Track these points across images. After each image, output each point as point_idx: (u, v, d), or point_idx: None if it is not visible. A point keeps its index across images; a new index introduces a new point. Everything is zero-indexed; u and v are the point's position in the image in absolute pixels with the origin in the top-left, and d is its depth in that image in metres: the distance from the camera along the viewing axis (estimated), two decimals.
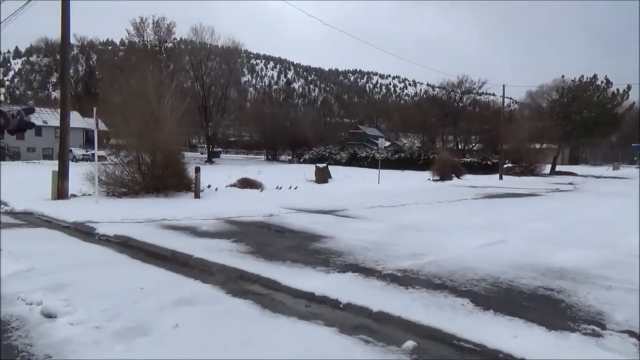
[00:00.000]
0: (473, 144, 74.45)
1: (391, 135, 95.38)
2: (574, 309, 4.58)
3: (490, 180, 30.38)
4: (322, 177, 22.68)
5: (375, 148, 64.34)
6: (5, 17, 13.77)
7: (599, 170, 48.71)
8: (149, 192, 14.27)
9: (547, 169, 41.23)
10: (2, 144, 48.96)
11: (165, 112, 15.05)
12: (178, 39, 62.49)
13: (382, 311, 4.34)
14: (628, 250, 7.15)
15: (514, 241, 7.88)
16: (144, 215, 10.18)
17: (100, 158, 49.52)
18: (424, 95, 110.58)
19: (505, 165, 40.58)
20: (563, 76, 41.18)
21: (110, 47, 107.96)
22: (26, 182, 19.52)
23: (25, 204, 11.95)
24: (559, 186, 25.90)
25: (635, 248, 7.22)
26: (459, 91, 74.50)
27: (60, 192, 13.30)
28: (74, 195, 13.88)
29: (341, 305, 4.55)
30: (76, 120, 57.33)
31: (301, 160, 55.70)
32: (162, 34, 60.82)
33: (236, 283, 5.33)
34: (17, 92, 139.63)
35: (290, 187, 18.83)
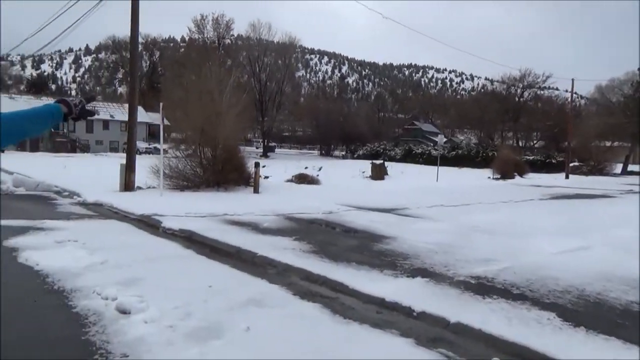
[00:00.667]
0: (535, 141, 71.24)
1: (447, 132, 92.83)
2: None
3: (555, 180, 28.82)
4: (379, 173, 22.36)
5: (431, 145, 62.96)
6: (78, 18, 14.34)
7: None
8: (209, 186, 14.53)
9: (618, 168, 38.64)
10: (74, 136, 52.02)
11: (225, 107, 15.27)
12: (236, 35, 63.75)
13: (460, 322, 4.07)
14: None
15: (597, 248, 7.29)
16: (206, 210, 10.33)
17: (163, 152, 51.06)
18: (482, 90, 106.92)
19: (571, 164, 38.43)
20: (639, 69, 38.40)
21: (172, 44, 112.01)
22: (96, 173, 20.52)
23: (95, 195, 12.47)
24: (633, 187, 24.15)
25: None
26: (521, 85, 71.42)
27: (128, 184, 13.81)
28: (140, 188, 14.37)
29: (415, 314, 4.32)
30: (140, 114, 59.85)
31: (355, 155, 55.40)
32: (221, 30, 62.25)
33: (303, 284, 5.21)
34: (87, 87, 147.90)
35: (346, 184, 18.66)
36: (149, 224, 8.83)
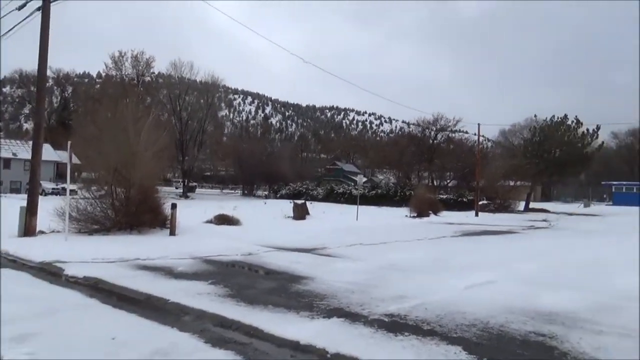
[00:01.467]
0: (448, 181, 75.64)
1: (367, 172, 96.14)
2: (569, 356, 4.43)
3: (466, 217, 30.59)
4: (300, 213, 22.46)
5: (352, 184, 64.68)
6: None
7: (570, 207, 49.77)
8: (121, 229, 13.76)
9: (521, 205, 41.92)
10: None
11: (142, 146, 14.75)
12: (157, 73, 62.51)
13: None
14: (616, 293, 7.09)
15: (501, 282, 7.76)
16: (116, 254, 9.73)
17: (71, 192, 48.07)
18: (400, 132, 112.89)
19: (480, 202, 41.13)
20: (535, 115, 42.56)
21: (86, 80, 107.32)
22: None
23: None
24: (534, 223, 26.23)
25: (623, 290, 7.18)
26: (434, 128, 76.23)
27: (29, 228, 12.71)
28: (42, 232, 13.27)
29: (329, 356, 4.30)
30: (48, 152, 56.05)
31: (278, 195, 55.36)
32: (140, 67, 60.75)
33: (216, 331, 5.01)
34: None
35: (268, 224, 18.52)
36: (50, 272, 8.14)
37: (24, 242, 11.56)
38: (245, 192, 62.61)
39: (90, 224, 13.68)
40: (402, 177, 76.86)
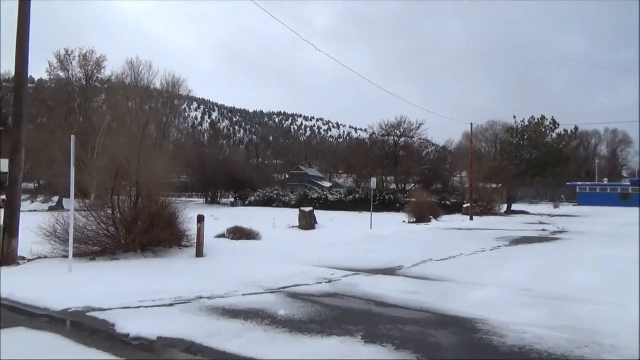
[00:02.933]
0: (414, 184, 75.16)
1: (326, 176, 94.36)
2: None
3: (463, 222, 29.14)
4: (309, 222, 19.91)
5: (317, 189, 62.40)
6: None
7: (541, 209, 50.07)
8: (129, 251, 10.74)
9: (503, 208, 41.31)
10: None
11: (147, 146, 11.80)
12: (111, 73, 57.66)
13: None
14: None
15: None
16: (157, 290, 6.92)
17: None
18: (348, 137, 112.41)
19: (464, 205, 40.11)
20: (515, 117, 42.10)
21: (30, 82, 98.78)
22: None
23: None
24: (535, 226, 25.11)
25: None
26: (398, 132, 75.64)
27: (8, 255, 9.48)
28: (23, 259, 10.02)
29: None
30: None
31: (246, 203, 52.10)
32: (89, 67, 55.71)
33: None
34: None
35: (287, 237, 15.91)
36: (92, 330, 5.26)
37: (10, 275, 8.37)
38: (209, 199, 58.68)
39: (89, 246, 10.55)
40: (361, 182, 75.75)
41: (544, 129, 40.63)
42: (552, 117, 40.49)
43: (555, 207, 52.10)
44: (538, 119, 40.56)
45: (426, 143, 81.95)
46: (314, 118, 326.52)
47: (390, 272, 9.42)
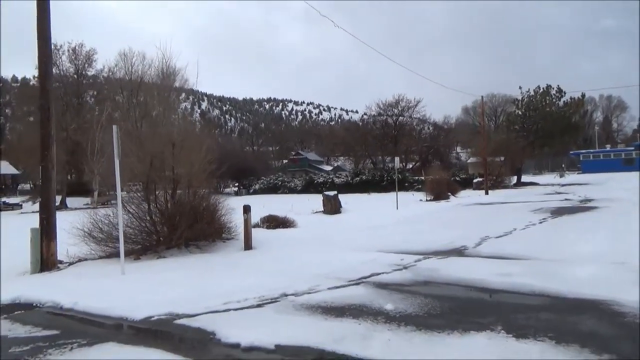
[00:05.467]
0: (414, 163, 74.64)
1: (325, 160, 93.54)
2: None
3: (480, 196, 28.69)
4: (334, 207, 19.29)
5: (318, 173, 61.66)
6: None
7: (547, 179, 49.84)
8: (171, 247, 10.08)
9: (513, 180, 40.95)
10: None
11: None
12: (103, 67, 56.22)
13: None
14: None
15: None
16: (236, 290, 6.31)
17: (16, 206, 41.21)
18: (339, 119, 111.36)
19: (475, 180, 39.71)
20: (520, 87, 41.51)
21: (12, 82, 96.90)
22: None
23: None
24: (564, 196, 24.67)
25: None
26: (396, 111, 74.82)
27: (47, 260, 8.79)
28: (62, 262, 9.35)
29: None
30: None
31: (250, 191, 51.36)
32: (79, 62, 54.24)
33: None
34: None
35: (320, 223, 15.33)
36: (192, 341, 4.63)
37: (60, 281, 7.72)
38: (211, 190, 57.86)
39: (128, 244, 9.85)
40: (359, 163, 74.99)
41: (550, 98, 40.09)
42: (558, 85, 39.95)
43: (561, 176, 51.90)
44: (543, 88, 39.98)
45: (424, 120, 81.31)
46: (304, 102, 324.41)
47: (458, 253, 8.87)
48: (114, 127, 8.17)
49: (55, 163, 9.16)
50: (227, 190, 58.06)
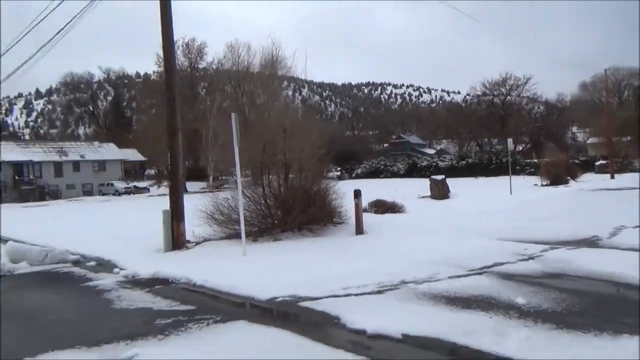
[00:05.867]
0: (524, 145, 69.73)
1: (426, 143, 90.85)
2: None
3: (605, 181, 25.91)
4: (441, 191, 18.73)
5: (421, 156, 60.04)
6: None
7: None
8: (285, 230, 10.42)
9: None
10: (41, 182, 46.13)
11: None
12: (212, 59, 59.96)
13: None
14: None
15: None
16: (354, 275, 6.32)
17: (142, 190, 45.50)
18: (441, 101, 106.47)
19: (597, 163, 36.12)
20: None
21: (136, 78, 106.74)
22: (95, 225, 15.97)
23: (139, 262, 8.24)
24: None
25: None
26: (504, 90, 70.23)
27: (177, 240, 9.59)
28: (189, 242, 10.12)
29: None
30: (113, 152, 54.60)
31: (353, 175, 51.72)
32: (192, 55, 58.13)
33: None
34: (42, 131, 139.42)
35: (426, 208, 14.93)
36: (316, 324, 4.72)
37: (188, 260, 8.37)
38: None
39: (245, 227, 10.38)
40: (463, 146, 71.48)
41: None
42: None
43: None
44: None
45: (535, 99, 75.25)
46: (403, 85, 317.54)
47: (589, 243, 8.08)
48: (233, 114, 8.57)
49: (181, 150, 9.89)
50: (330, 175, 59.24)
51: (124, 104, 79.16)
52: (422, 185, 25.74)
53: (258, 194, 10.87)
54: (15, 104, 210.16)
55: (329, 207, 10.94)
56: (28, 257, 8.66)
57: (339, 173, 55.67)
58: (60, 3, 10.57)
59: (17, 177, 44.97)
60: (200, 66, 60.60)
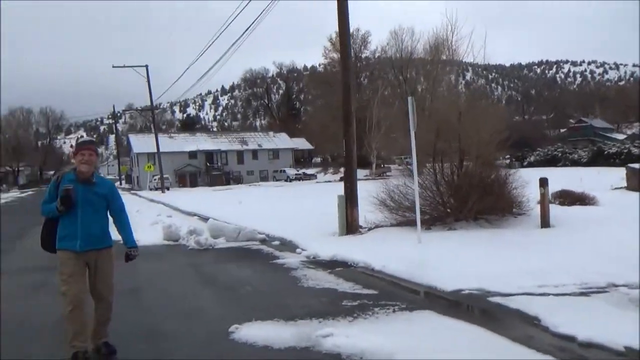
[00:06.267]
0: None
1: (614, 127, 78.77)
2: None
3: None
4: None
5: (606, 142, 52.08)
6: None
7: None
8: (459, 219, 9.96)
9: None
10: (227, 169, 52.41)
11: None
12: (376, 47, 60.77)
13: None
14: None
15: None
16: (545, 272, 5.70)
17: (310, 177, 48.22)
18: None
19: None
20: None
21: (306, 72, 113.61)
22: (273, 208, 17.38)
23: (317, 244, 8.73)
24: None
25: None
26: None
27: (351, 224, 9.88)
28: (362, 227, 10.34)
29: None
30: (284, 141, 59.16)
31: (524, 163, 47.47)
32: (357, 45, 59.46)
33: None
34: (226, 123, 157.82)
35: (624, 201, 12.88)
36: (511, 323, 4.35)
37: (362, 245, 8.55)
38: None
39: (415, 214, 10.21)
40: None
41: None
42: None
43: None
44: None
45: None
46: (583, 62, 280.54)
47: None
48: (409, 98, 8.41)
49: (355, 138, 10.11)
50: (498, 163, 55.37)
51: (294, 96, 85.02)
52: (610, 174, 22.38)
53: (430, 181, 10.60)
54: (206, 100, 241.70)
55: (507, 197, 10.13)
56: (225, 234, 9.81)
57: (507, 161, 51.66)
58: (248, 3, 11.55)
59: (208, 164, 52.08)
60: (364, 55, 61.87)
